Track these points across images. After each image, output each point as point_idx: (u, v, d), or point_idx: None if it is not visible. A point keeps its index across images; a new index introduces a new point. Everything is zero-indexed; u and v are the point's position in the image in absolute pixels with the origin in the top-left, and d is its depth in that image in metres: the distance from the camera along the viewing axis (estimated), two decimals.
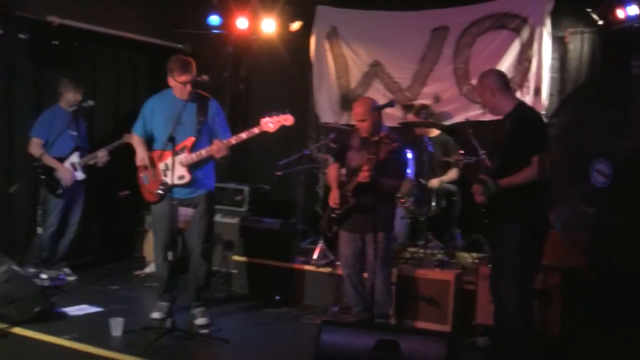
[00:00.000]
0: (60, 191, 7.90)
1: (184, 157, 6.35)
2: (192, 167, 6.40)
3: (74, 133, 8.06)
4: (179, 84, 6.38)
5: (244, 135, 6.33)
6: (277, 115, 6.23)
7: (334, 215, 6.69)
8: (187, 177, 6.40)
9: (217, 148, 6.32)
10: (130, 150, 6.88)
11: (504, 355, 5.52)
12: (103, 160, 8.13)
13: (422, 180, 7.93)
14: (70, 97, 8.16)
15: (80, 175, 8.11)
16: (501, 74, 5.66)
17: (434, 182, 8.30)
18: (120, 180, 8.73)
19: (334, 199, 6.59)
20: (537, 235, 5.14)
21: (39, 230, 7.75)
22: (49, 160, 7.90)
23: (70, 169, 8.01)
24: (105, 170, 8.36)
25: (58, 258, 8.21)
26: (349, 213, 6.56)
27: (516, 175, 5.10)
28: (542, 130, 5.13)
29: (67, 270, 8.21)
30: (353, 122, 7.10)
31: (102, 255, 9.43)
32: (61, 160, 7.98)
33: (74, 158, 8.04)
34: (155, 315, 6.73)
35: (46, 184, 7.92)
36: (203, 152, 6.38)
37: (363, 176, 6.14)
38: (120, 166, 8.18)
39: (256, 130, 6.25)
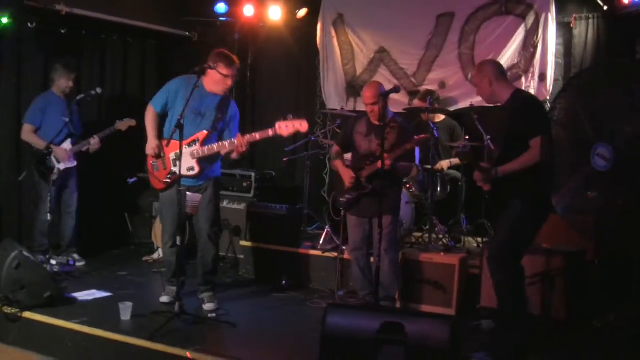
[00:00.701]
0: (54, 177, 7.85)
1: (195, 149, 6.42)
2: (201, 160, 6.47)
3: (67, 119, 8.06)
4: (220, 76, 6.42)
5: (257, 136, 6.36)
6: (292, 119, 6.25)
7: (343, 200, 6.74)
8: (197, 169, 6.46)
9: (236, 143, 6.34)
10: (133, 135, 6.84)
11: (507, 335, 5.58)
12: (95, 148, 8.15)
13: (427, 166, 7.97)
14: (62, 84, 8.23)
15: (72, 162, 8.16)
16: (497, 64, 5.76)
17: (444, 164, 8.37)
18: (129, 165, 8.84)
19: (348, 178, 6.64)
20: (536, 215, 5.19)
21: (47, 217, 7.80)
22: (38, 142, 7.93)
23: (66, 149, 8.07)
24: (112, 155, 8.42)
25: (66, 244, 8.30)
26: (360, 198, 6.63)
27: (515, 162, 5.16)
28: (540, 114, 5.18)
29: (76, 256, 8.31)
30: (359, 109, 7.15)
31: (110, 241, 9.53)
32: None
33: (67, 145, 8.07)
34: (164, 299, 6.80)
35: (38, 170, 7.95)
36: (215, 147, 6.43)
37: (385, 164, 6.19)
38: (129, 151, 8.31)
39: (270, 132, 6.26)
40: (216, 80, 6.47)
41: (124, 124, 8.17)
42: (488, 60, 5.94)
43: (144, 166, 6.87)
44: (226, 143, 6.43)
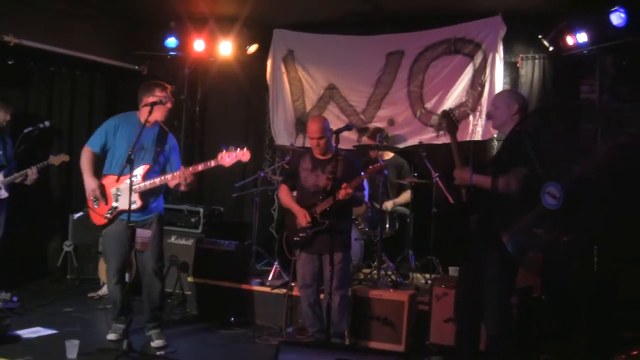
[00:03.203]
0: None
1: (137, 184, 6.36)
2: (144, 194, 6.42)
3: (0, 152, 8.00)
4: (160, 103, 6.40)
5: (200, 167, 6.36)
6: (234, 150, 6.27)
7: (297, 238, 6.72)
8: (139, 203, 6.41)
9: (179, 177, 6.33)
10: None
11: None
12: (33, 178, 8.02)
13: (376, 204, 8.01)
14: None
15: (3, 193, 8.02)
16: (524, 99, 5.74)
17: (388, 204, 8.42)
18: (75, 198, 8.75)
19: (304, 217, 6.60)
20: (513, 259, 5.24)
21: None
22: None
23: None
24: (56, 188, 8.32)
25: None
26: (316, 235, 6.62)
27: (488, 178, 5.20)
28: (530, 155, 5.21)
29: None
30: (308, 145, 7.15)
31: (52, 276, 9.42)
32: None
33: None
34: (111, 336, 6.68)
35: None
36: (157, 181, 6.41)
37: (344, 194, 6.25)
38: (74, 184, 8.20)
39: (212, 163, 6.29)
40: (147, 111, 6.41)
41: (57, 159, 8.14)
42: (519, 92, 6.01)
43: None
44: (168, 176, 6.42)
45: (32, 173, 7.98)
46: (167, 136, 6.70)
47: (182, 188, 6.46)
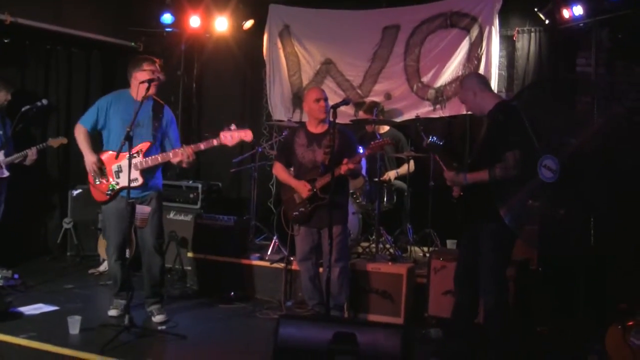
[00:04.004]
0: None
1: (138, 161, 6.39)
2: (144, 171, 6.45)
3: (0, 132, 8.04)
4: (149, 76, 6.39)
5: (202, 146, 6.38)
6: (236, 129, 6.29)
7: (297, 213, 6.76)
8: (140, 181, 6.43)
9: (181, 154, 6.37)
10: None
11: (457, 345, 5.68)
12: (32, 159, 8.07)
13: (375, 179, 8.04)
14: (0, 97, 8.18)
15: (5, 172, 8.05)
16: (480, 76, 5.92)
17: (391, 174, 8.47)
18: (73, 176, 8.79)
19: (305, 188, 6.62)
20: (510, 232, 5.28)
21: None
22: None
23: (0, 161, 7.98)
24: (54, 167, 8.32)
25: None
26: (314, 210, 6.66)
27: (485, 172, 5.24)
28: (519, 127, 5.23)
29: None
30: (305, 119, 7.17)
31: (53, 253, 9.49)
32: None
33: (0, 156, 7.99)
34: (112, 312, 6.74)
35: None
36: (159, 158, 6.43)
37: (345, 169, 6.33)
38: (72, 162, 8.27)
39: (215, 142, 6.30)
40: (143, 78, 6.41)
41: (56, 142, 8.18)
42: (471, 74, 6.10)
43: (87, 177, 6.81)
44: (170, 154, 6.44)
45: (31, 154, 8.01)
46: (163, 109, 6.70)
47: (184, 165, 6.49)
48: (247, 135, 6.33)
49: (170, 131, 6.70)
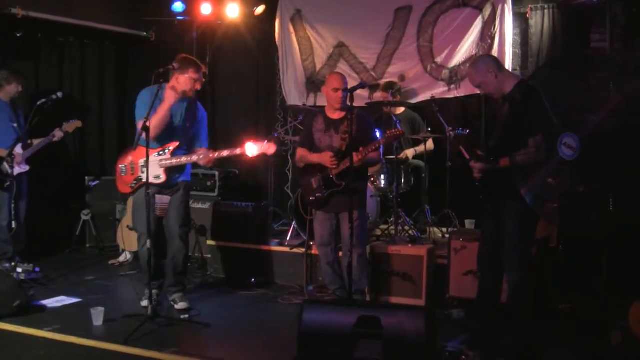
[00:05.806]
0: (8, 183, 7.78)
1: (163, 159, 6.42)
2: (169, 169, 6.47)
3: (15, 124, 8.07)
4: (191, 81, 6.40)
5: (225, 153, 6.39)
6: (261, 142, 6.28)
7: (313, 198, 6.75)
8: (163, 178, 6.46)
9: (205, 159, 6.41)
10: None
11: (479, 325, 5.68)
12: (60, 135, 8.13)
13: (391, 157, 8.00)
14: (11, 89, 8.17)
15: (24, 167, 8.09)
16: (493, 57, 5.85)
17: (409, 153, 8.47)
18: (90, 167, 8.79)
19: (329, 160, 6.53)
20: (533, 211, 5.27)
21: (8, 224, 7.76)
22: None
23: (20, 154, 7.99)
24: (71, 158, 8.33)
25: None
26: (332, 195, 6.65)
27: (514, 159, 5.20)
28: (542, 109, 5.19)
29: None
30: (320, 104, 7.18)
31: (73, 244, 9.51)
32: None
33: (18, 150, 7.94)
34: (145, 303, 6.64)
35: None
36: (183, 159, 6.47)
37: (357, 161, 6.28)
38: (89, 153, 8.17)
39: (238, 151, 6.29)
40: (184, 84, 6.42)
41: (70, 126, 8.20)
42: (483, 56, 5.99)
43: (105, 169, 6.82)
44: (194, 157, 6.47)
45: (59, 135, 8.09)
46: (197, 108, 6.74)
47: (203, 165, 6.56)
48: (270, 149, 6.32)
49: (201, 131, 6.74)
